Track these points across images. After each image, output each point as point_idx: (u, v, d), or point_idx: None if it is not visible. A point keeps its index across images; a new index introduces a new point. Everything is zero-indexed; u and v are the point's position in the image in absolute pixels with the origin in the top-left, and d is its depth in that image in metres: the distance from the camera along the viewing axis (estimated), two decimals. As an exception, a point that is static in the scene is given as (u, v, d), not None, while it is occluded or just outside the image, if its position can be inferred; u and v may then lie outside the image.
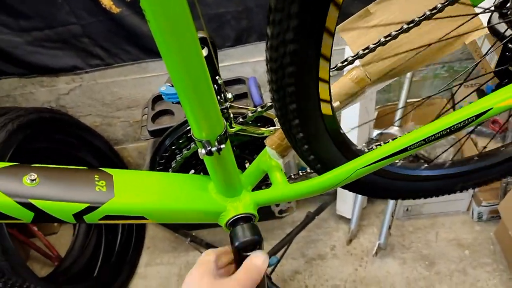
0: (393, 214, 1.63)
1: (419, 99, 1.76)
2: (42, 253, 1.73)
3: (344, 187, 0.65)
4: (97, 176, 0.51)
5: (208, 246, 1.66)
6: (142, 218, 0.52)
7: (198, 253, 1.69)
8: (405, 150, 0.50)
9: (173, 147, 1.07)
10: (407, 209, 1.74)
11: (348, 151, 0.56)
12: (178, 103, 1.10)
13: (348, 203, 1.76)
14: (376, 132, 1.64)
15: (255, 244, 0.55)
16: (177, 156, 0.97)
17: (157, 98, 1.33)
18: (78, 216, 0.48)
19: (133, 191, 0.53)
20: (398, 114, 1.66)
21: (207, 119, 0.45)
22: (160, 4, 0.33)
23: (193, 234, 1.72)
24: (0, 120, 1.38)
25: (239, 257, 0.56)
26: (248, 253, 0.55)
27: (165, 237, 1.91)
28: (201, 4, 1.41)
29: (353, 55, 0.55)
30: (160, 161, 1.12)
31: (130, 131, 1.91)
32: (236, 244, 0.55)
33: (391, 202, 1.64)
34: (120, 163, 1.89)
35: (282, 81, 0.43)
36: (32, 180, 0.46)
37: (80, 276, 1.63)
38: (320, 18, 0.37)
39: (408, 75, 1.65)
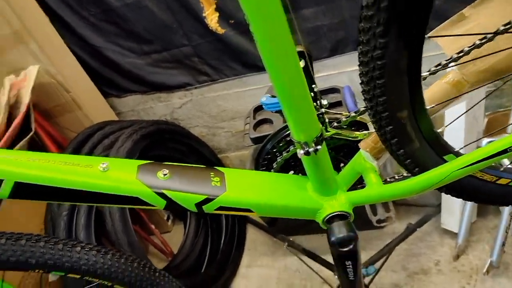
0: (508, 229, 1.49)
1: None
2: (158, 249, 1.95)
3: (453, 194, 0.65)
4: (212, 173, 0.61)
5: (305, 251, 1.71)
6: (249, 210, 0.60)
7: (296, 258, 1.74)
8: (504, 152, 0.49)
9: (274, 150, 1.17)
10: (525, 225, 1.57)
11: (444, 152, 0.57)
12: (277, 112, 1.20)
13: (455, 216, 1.65)
14: (485, 141, 1.52)
15: (351, 240, 0.59)
16: (278, 158, 1.05)
17: (258, 108, 1.44)
18: (199, 205, 0.57)
19: (243, 187, 0.61)
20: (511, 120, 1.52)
21: (305, 123, 0.51)
22: (266, 29, 0.40)
23: (291, 239, 1.78)
24: (127, 131, 1.63)
25: (335, 252, 0.60)
26: (344, 249, 0.59)
27: (265, 241, 2.00)
28: (300, 18, 1.49)
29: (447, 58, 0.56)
30: (263, 163, 1.22)
31: (233, 140, 2.07)
32: (332, 239, 0.60)
33: (505, 217, 1.50)
34: (224, 170, 2.04)
35: (374, 92, 0.47)
36: (165, 174, 0.57)
37: (189, 271, 1.80)
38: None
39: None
